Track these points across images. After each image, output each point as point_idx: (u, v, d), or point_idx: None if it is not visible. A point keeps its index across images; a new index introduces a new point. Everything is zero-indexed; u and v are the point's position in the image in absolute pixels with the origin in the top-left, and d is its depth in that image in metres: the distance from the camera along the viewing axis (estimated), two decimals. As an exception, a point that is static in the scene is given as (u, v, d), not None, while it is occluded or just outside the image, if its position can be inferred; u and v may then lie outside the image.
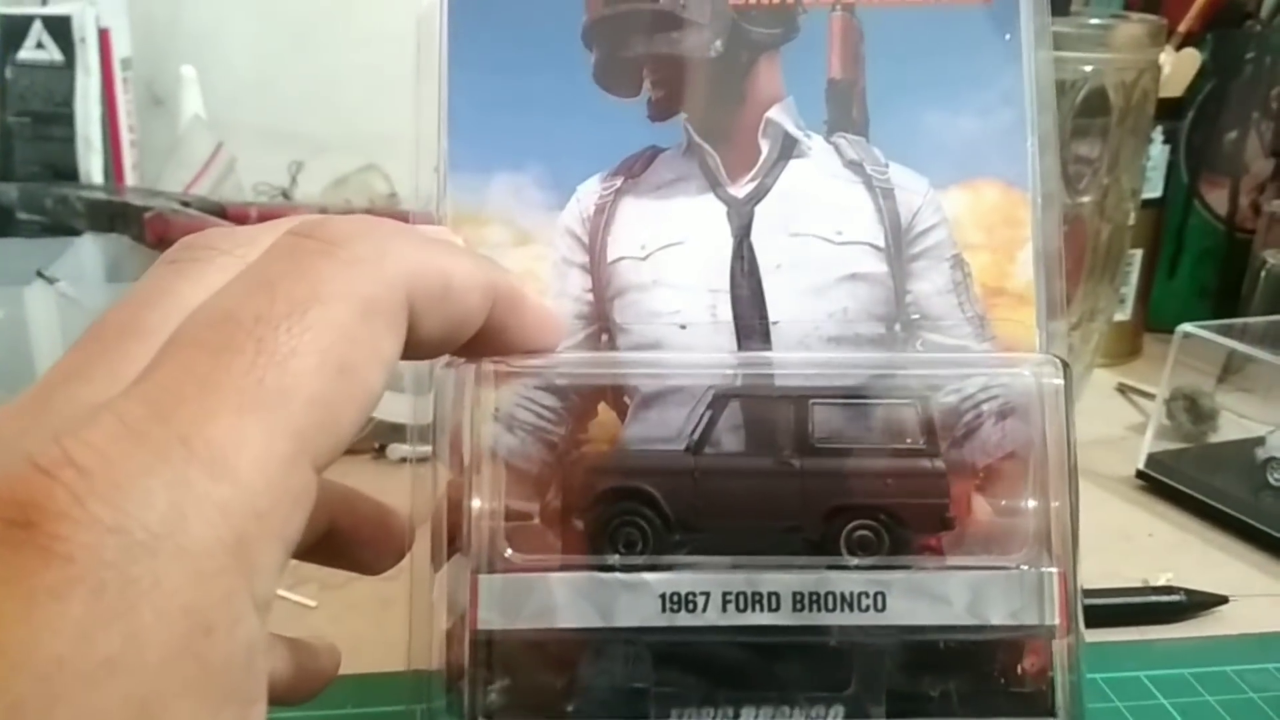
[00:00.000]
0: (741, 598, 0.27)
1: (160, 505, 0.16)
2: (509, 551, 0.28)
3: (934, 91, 0.32)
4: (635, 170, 0.32)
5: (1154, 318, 0.77)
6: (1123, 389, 0.69)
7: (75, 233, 0.68)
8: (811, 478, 0.28)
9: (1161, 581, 0.46)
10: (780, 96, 0.32)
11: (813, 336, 0.32)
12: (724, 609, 0.27)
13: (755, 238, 0.32)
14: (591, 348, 0.32)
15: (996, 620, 0.27)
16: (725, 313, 0.32)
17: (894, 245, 0.32)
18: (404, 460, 0.56)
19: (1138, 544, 0.51)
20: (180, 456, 0.17)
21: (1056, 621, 0.28)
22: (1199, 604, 0.44)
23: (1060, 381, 0.29)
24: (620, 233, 0.32)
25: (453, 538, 0.28)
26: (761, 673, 0.28)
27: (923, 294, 0.32)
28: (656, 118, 0.32)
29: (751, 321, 0.32)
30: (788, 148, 0.32)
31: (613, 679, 0.28)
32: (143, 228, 0.64)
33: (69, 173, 0.80)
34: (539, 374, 0.29)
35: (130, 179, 0.83)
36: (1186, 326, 0.56)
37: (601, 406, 0.30)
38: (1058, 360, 0.29)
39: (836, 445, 0.29)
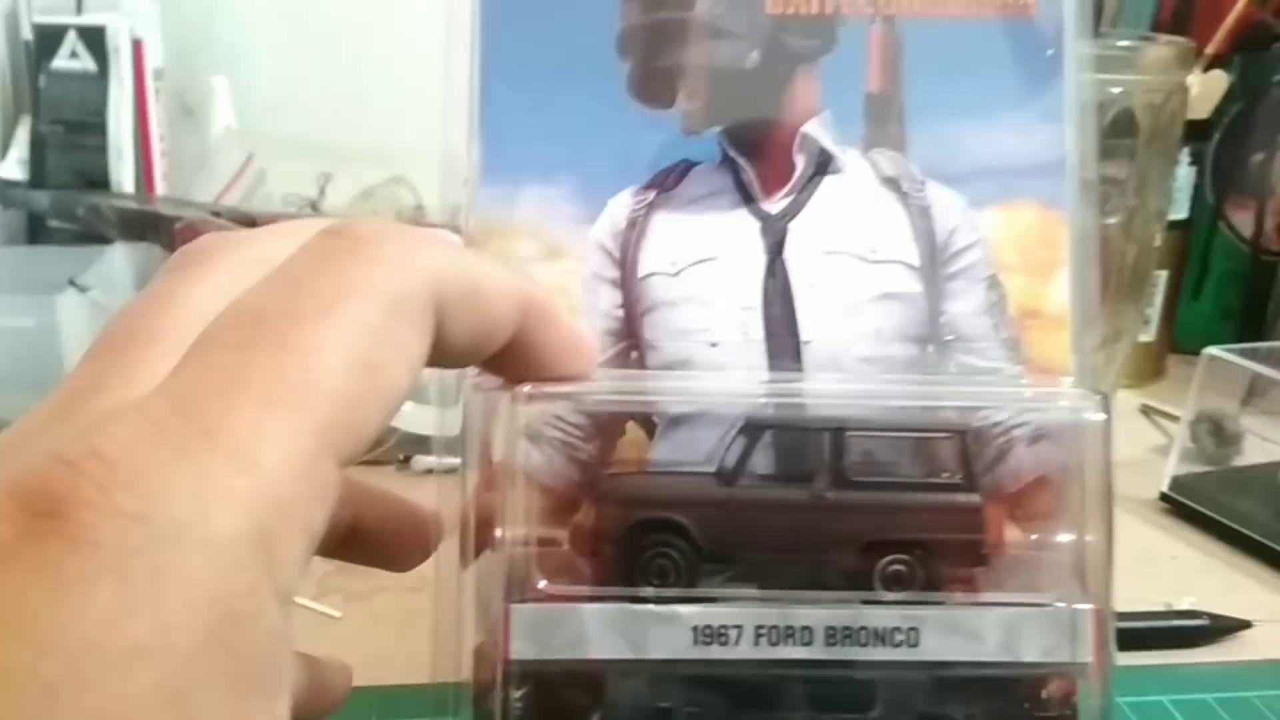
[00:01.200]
0: (774, 631, 0.27)
1: (184, 496, 0.16)
2: (542, 582, 0.28)
3: (973, 107, 0.32)
4: (668, 184, 0.32)
5: (1178, 339, 0.77)
6: (1146, 410, 0.68)
7: (106, 241, 0.69)
8: (846, 511, 0.28)
9: (1184, 605, 0.45)
10: (817, 110, 0.32)
11: (845, 356, 0.31)
12: (756, 642, 0.27)
13: (788, 255, 0.32)
14: (621, 364, 0.31)
15: (1029, 657, 0.27)
16: (757, 331, 0.31)
17: (929, 264, 0.32)
18: (429, 472, 0.56)
19: (1161, 567, 0.50)
20: (203, 449, 0.17)
21: (1089, 659, 0.27)
22: (1222, 628, 0.44)
23: (1101, 417, 0.28)
24: (652, 248, 0.32)
25: (479, 550, 0.28)
26: (787, 696, 0.28)
27: (958, 314, 0.32)
28: (690, 131, 0.32)
29: (783, 340, 0.31)
30: (823, 163, 0.32)
31: (640, 700, 0.28)
32: (173, 237, 0.65)
33: (100, 181, 0.80)
34: (571, 399, 0.29)
35: (161, 189, 0.83)
36: (1212, 350, 0.56)
37: (630, 425, 0.30)
38: (1098, 394, 0.29)
39: (871, 478, 0.28)
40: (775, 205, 0.32)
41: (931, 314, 0.32)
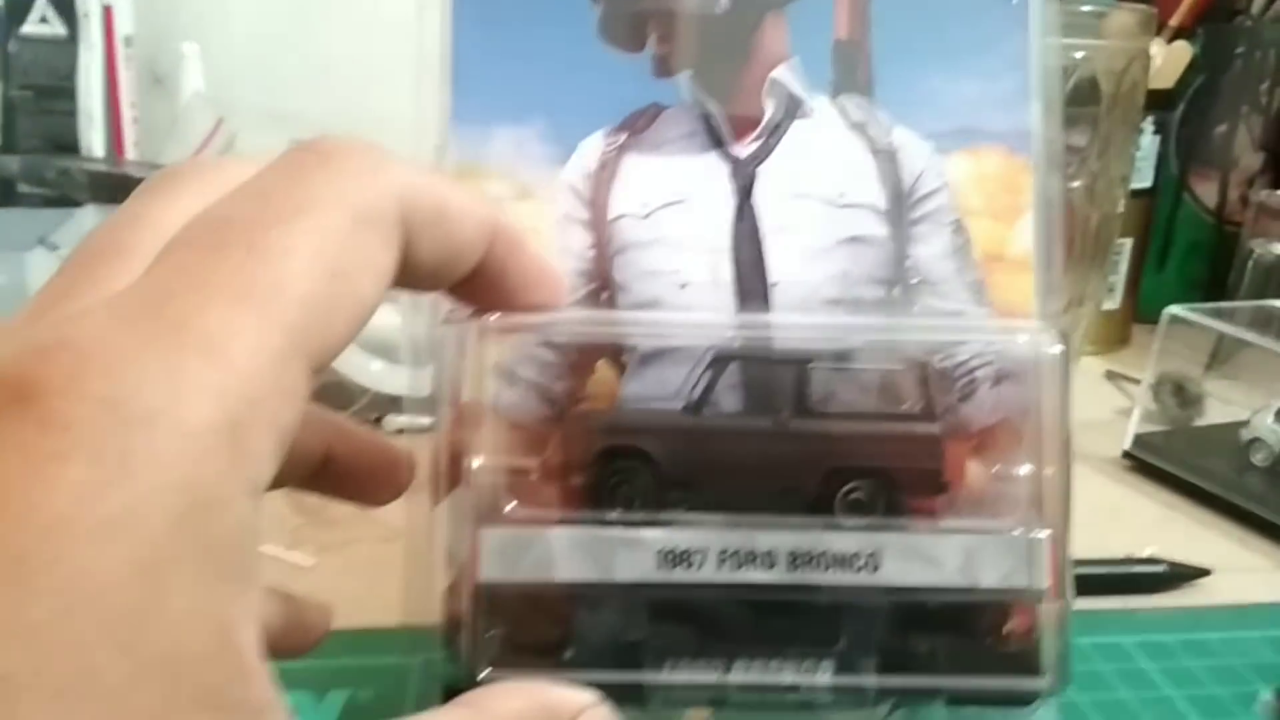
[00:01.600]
0: (738, 555, 0.28)
1: (154, 384, 0.17)
2: (510, 505, 0.28)
3: (939, 54, 0.32)
4: (639, 127, 0.32)
5: (1143, 309, 0.78)
6: (1111, 376, 0.69)
7: (77, 204, 0.68)
8: (808, 440, 0.29)
9: (1145, 555, 0.46)
10: (785, 56, 0.32)
11: (812, 299, 0.32)
12: (720, 565, 0.28)
13: (757, 198, 0.32)
14: (592, 305, 0.32)
15: (987, 583, 0.28)
16: (726, 273, 0.32)
17: (896, 209, 0.32)
18: (401, 431, 0.56)
19: (1123, 521, 0.51)
20: (173, 341, 0.17)
21: (1046, 585, 0.28)
22: (1181, 575, 0.45)
23: (1058, 349, 0.29)
24: (622, 190, 0.32)
25: (451, 489, 0.28)
26: (754, 627, 0.29)
27: (923, 258, 0.32)
28: (660, 74, 0.32)
29: (752, 283, 0.32)
30: (792, 108, 0.32)
31: (609, 631, 0.28)
32: (144, 199, 0.64)
33: (70, 146, 0.79)
34: (540, 330, 0.29)
35: (131, 156, 0.82)
36: (1174, 309, 0.57)
37: (601, 363, 0.31)
38: (1056, 329, 0.29)
39: (834, 408, 0.29)
40: (745, 149, 0.32)
41: (898, 257, 0.32)
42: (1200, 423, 0.60)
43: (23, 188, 0.76)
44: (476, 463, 0.28)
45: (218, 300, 0.18)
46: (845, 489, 0.28)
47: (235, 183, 0.21)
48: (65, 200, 0.69)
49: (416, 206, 0.22)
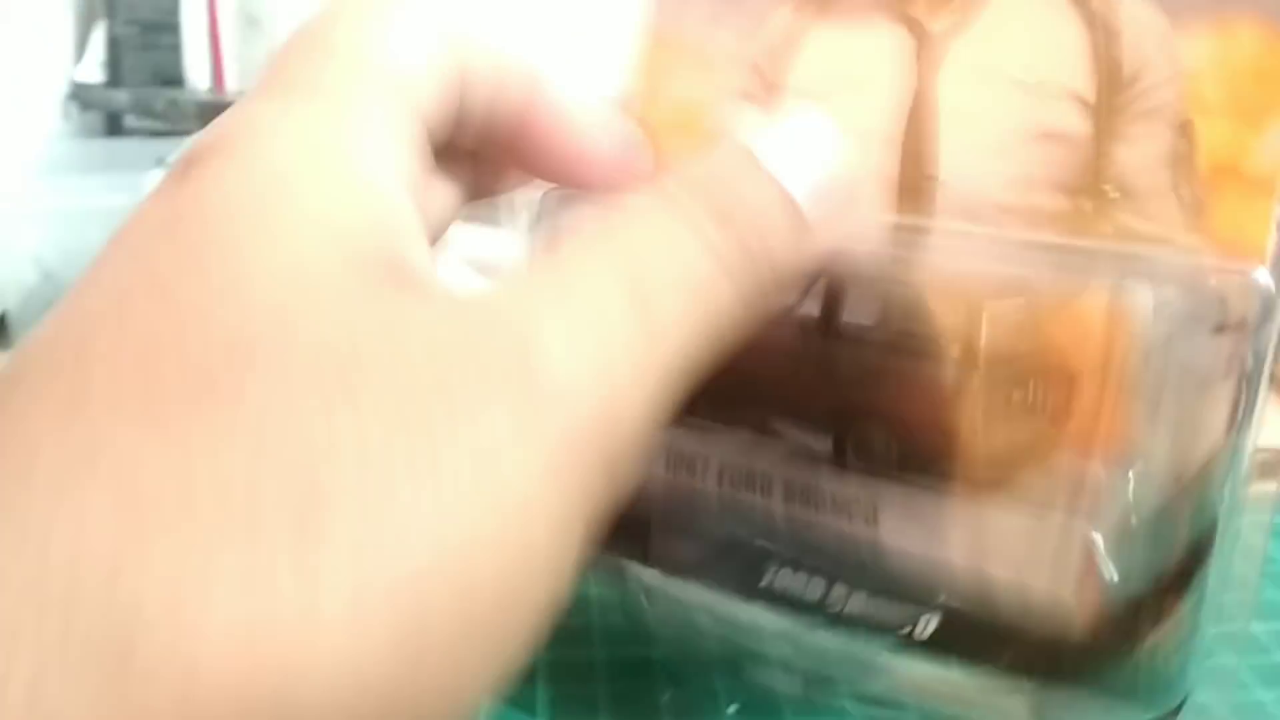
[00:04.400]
0: (737, 473, 0.25)
1: (290, 130, 0.19)
2: None
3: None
4: (830, -4, 0.29)
5: None
6: None
7: (185, 135, 0.66)
8: (824, 365, 0.25)
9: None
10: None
11: (984, 203, 0.27)
12: (720, 480, 0.26)
13: (943, 79, 0.27)
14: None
15: (994, 570, 0.22)
16: (893, 166, 0.28)
17: (1106, 101, 0.26)
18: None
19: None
20: (307, 107, 0.20)
21: (1069, 597, 0.21)
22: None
23: (1145, 300, 0.22)
24: (801, 68, 0.29)
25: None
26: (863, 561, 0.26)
27: (1130, 165, 0.25)
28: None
29: (916, 179, 0.28)
30: (999, -28, 0.27)
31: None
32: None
33: (175, 80, 0.81)
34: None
35: (233, 88, 0.83)
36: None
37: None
38: (1178, 281, 0.22)
39: (862, 335, 0.25)
40: (939, 21, 0.28)
41: (1099, 161, 0.26)
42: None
43: (129, 121, 0.79)
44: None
45: (330, 68, 0.20)
46: (856, 428, 0.24)
47: None
48: (173, 132, 0.71)
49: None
